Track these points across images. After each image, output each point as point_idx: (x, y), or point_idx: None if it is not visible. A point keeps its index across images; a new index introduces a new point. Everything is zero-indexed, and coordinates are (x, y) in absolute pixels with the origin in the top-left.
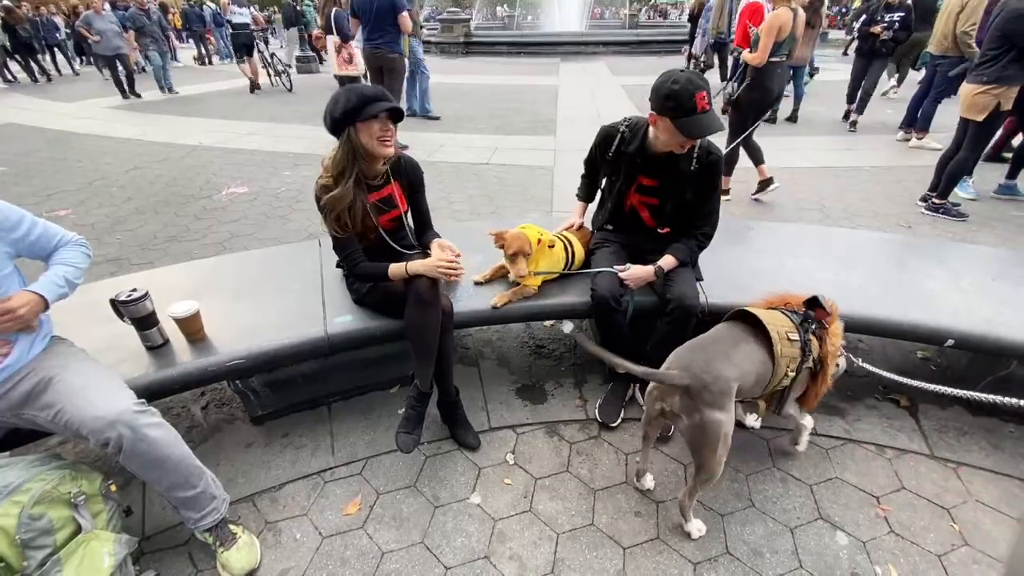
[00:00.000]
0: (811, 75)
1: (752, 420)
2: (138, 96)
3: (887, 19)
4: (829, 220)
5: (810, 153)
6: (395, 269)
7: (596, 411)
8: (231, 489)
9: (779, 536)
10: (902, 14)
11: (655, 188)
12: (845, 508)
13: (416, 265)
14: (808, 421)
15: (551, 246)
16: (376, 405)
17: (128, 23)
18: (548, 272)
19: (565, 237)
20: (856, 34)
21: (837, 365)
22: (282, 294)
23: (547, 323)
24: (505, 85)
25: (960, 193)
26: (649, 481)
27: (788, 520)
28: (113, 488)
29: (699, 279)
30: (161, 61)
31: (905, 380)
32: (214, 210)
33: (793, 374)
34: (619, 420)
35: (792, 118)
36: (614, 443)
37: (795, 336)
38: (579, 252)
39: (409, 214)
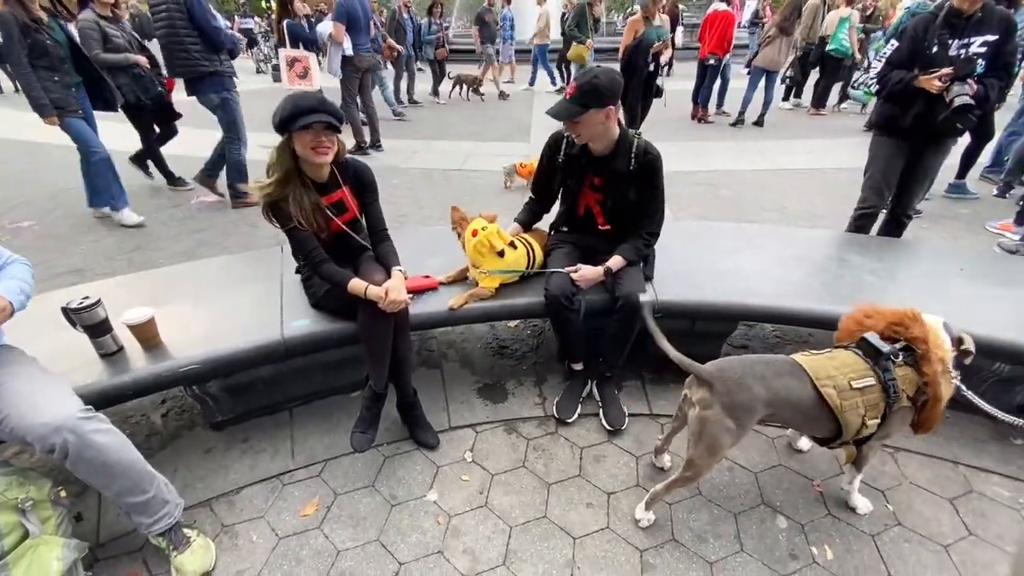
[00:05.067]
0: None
1: (804, 443)
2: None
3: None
4: (788, 220)
5: (776, 156)
6: (355, 285)
7: (554, 407)
8: (188, 494)
9: (723, 522)
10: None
11: (602, 185)
12: (787, 493)
13: (373, 292)
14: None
15: (501, 252)
16: (336, 409)
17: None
18: (508, 272)
19: (526, 240)
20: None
21: (953, 379)
22: (241, 300)
23: (511, 324)
24: (485, 91)
25: None
26: (666, 461)
27: (732, 507)
28: (63, 494)
29: (649, 278)
30: None
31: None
32: (183, 219)
33: (877, 420)
34: (575, 415)
35: (759, 122)
36: (570, 438)
37: (865, 382)
38: (539, 254)
39: (363, 218)
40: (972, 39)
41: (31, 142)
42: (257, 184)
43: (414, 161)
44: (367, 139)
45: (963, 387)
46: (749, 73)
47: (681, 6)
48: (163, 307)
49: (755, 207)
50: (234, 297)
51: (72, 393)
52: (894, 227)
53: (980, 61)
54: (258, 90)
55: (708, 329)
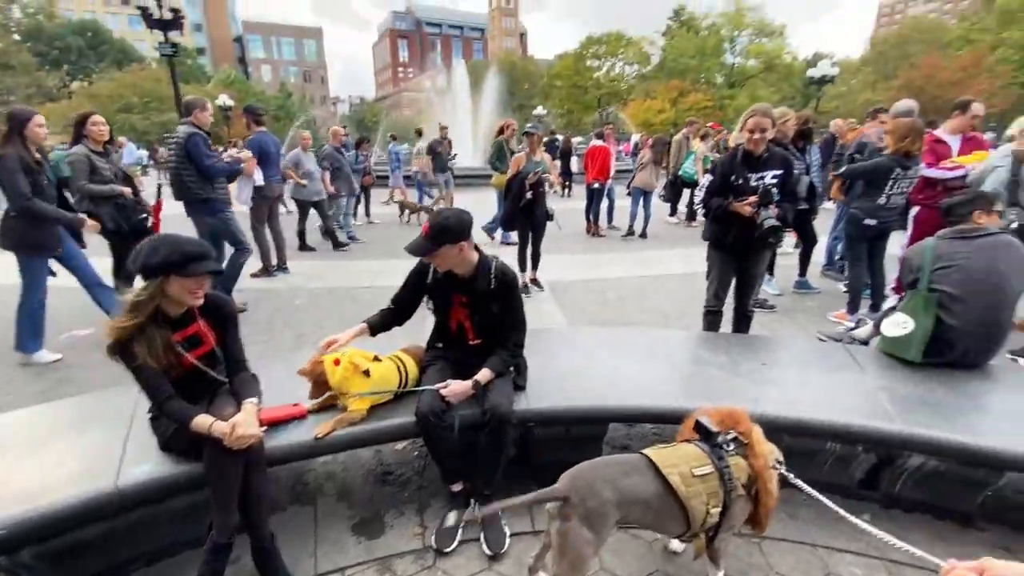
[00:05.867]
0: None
1: (676, 545)
2: None
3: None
4: (664, 320)
5: (656, 264)
6: (199, 422)
7: (433, 537)
8: None
9: None
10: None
11: (469, 303)
12: None
13: (218, 428)
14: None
15: (367, 372)
16: (189, 568)
17: None
18: (378, 393)
19: (398, 358)
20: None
21: (778, 464)
22: (76, 447)
23: (398, 446)
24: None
25: (768, 290)
26: None
27: None
28: None
29: (520, 387)
30: None
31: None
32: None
33: (719, 508)
34: (455, 543)
35: (643, 234)
36: (448, 570)
37: (704, 470)
38: (412, 371)
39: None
40: (765, 173)
41: None
42: (112, 323)
43: (321, 281)
44: (273, 261)
45: (790, 476)
46: (629, 193)
47: (576, 139)
48: None
49: (637, 310)
50: (70, 443)
51: None
52: (741, 322)
53: (775, 190)
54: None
55: (583, 433)
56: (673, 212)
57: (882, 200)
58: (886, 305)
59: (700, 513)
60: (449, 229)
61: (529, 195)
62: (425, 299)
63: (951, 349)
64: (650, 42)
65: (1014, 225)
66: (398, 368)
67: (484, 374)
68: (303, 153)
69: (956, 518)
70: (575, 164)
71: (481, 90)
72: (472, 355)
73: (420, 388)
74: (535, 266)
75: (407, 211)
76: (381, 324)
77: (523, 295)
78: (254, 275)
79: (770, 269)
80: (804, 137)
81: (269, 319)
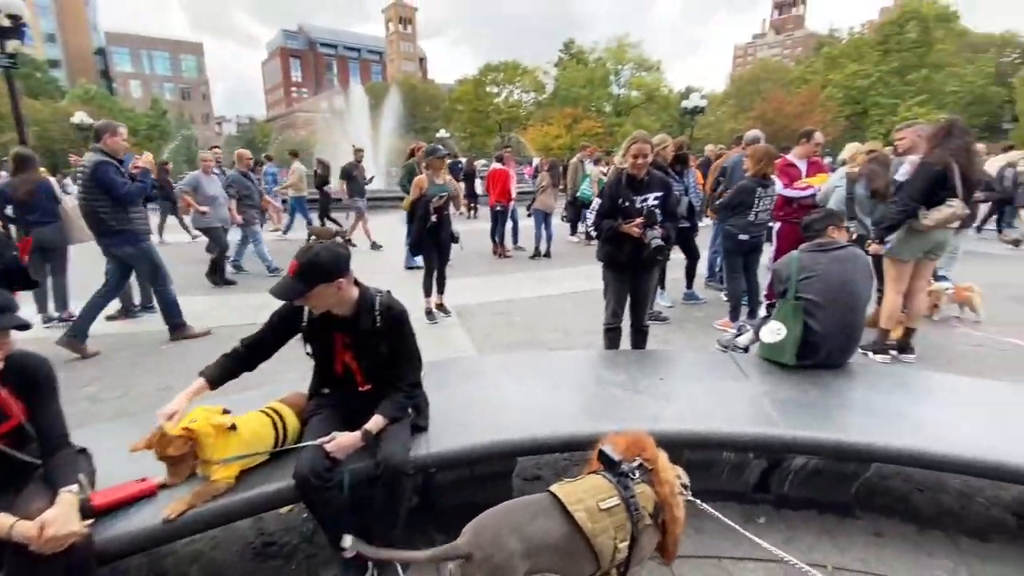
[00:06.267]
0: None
1: None
2: None
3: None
4: (569, 339)
5: (560, 282)
6: None
7: None
8: None
9: None
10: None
11: (353, 343)
12: None
13: (21, 530)
14: None
15: (233, 426)
16: None
17: None
18: (248, 456)
19: (273, 410)
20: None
21: (685, 490)
22: None
23: (282, 510)
24: (297, 238)
25: (660, 303)
26: None
27: None
28: None
29: (423, 428)
30: None
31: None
32: None
33: (627, 542)
34: None
35: (547, 254)
36: None
37: (611, 503)
38: (292, 424)
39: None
40: (647, 195)
41: None
42: None
43: (197, 320)
44: (136, 300)
45: (697, 502)
46: (530, 215)
47: (479, 162)
48: None
49: (543, 330)
50: None
51: None
52: (638, 336)
53: (657, 211)
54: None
55: (488, 471)
56: (574, 231)
57: (752, 217)
58: (761, 312)
59: (608, 549)
60: (320, 266)
61: (434, 218)
62: (302, 343)
63: (817, 352)
64: (544, 72)
65: (853, 236)
66: (273, 423)
67: (376, 422)
68: (204, 176)
69: (837, 510)
70: (479, 186)
71: (381, 112)
72: (363, 401)
73: (300, 445)
74: (441, 291)
75: (319, 240)
76: (224, 373)
77: (429, 321)
78: (111, 318)
79: (661, 284)
80: (681, 161)
81: (127, 370)
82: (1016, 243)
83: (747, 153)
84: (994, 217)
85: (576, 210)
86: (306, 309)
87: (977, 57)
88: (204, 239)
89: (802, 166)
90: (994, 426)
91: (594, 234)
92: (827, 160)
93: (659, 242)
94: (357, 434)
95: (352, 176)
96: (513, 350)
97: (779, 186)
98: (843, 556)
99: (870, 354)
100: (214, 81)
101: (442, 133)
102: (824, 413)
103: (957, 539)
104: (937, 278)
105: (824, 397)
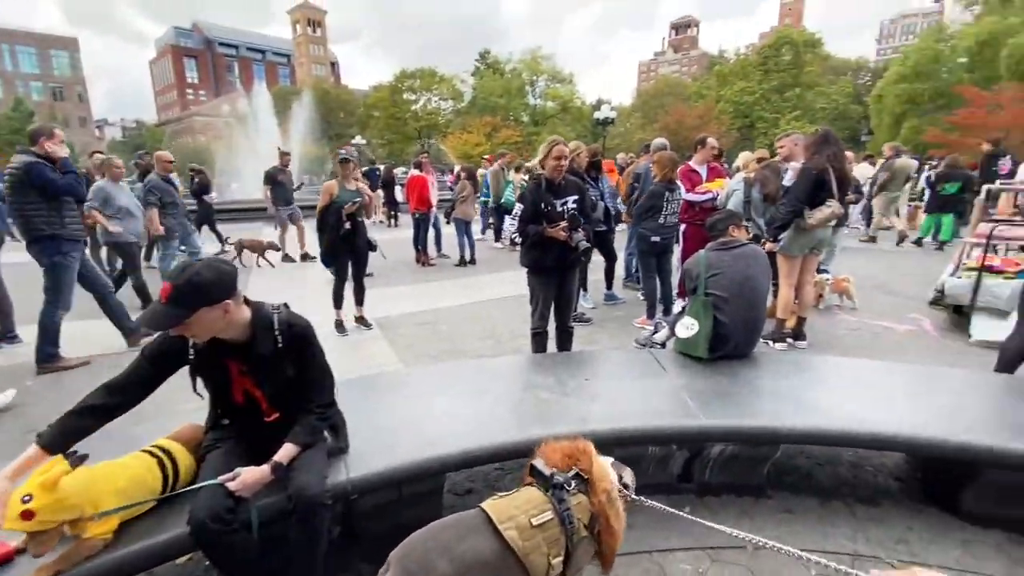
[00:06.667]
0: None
1: None
2: None
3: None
4: (498, 346)
5: (486, 288)
6: None
7: None
8: None
9: None
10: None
11: (251, 371)
12: None
13: None
14: None
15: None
16: None
17: None
18: (129, 507)
19: (160, 447)
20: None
21: (625, 487)
22: None
23: (178, 560)
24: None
25: (584, 304)
26: None
27: None
28: None
29: (343, 450)
30: None
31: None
32: None
33: (560, 557)
34: None
35: (472, 260)
36: None
37: (544, 517)
38: (185, 463)
39: None
40: (566, 199)
41: None
42: None
43: (72, 347)
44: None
45: (641, 500)
46: (448, 223)
47: (399, 169)
48: None
49: (471, 338)
50: None
51: None
52: (564, 338)
53: (578, 214)
54: None
55: (417, 490)
56: (498, 238)
57: (661, 220)
58: (676, 309)
59: (541, 567)
60: (201, 287)
61: (348, 225)
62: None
63: (726, 343)
64: (461, 80)
65: (750, 235)
66: (161, 463)
67: (286, 451)
68: (113, 185)
69: (752, 492)
70: (400, 194)
71: (291, 117)
72: (270, 430)
73: (197, 486)
74: (360, 302)
75: (247, 252)
76: (69, 433)
77: (340, 334)
78: None
79: (584, 286)
80: (595, 168)
81: None
82: (872, 239)
83: (654, 160)
84: (859, 216)
85: (500, 216)
86: (189, 343)
87: (838, 79)
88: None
89: (703, 172)
90: (871, 401)
91: (518, 240)
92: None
93: (585, 244)
94: (265, 468)
95: (277, 181)
96: (440, 360)
97: (683, 191)
98: (759, 533)
99: (770, 343)
100: (94, 80)
101: (358, 140)
102: (736, 401)
103: (854, 507)
104: (819, 271)
105: (735, 386)
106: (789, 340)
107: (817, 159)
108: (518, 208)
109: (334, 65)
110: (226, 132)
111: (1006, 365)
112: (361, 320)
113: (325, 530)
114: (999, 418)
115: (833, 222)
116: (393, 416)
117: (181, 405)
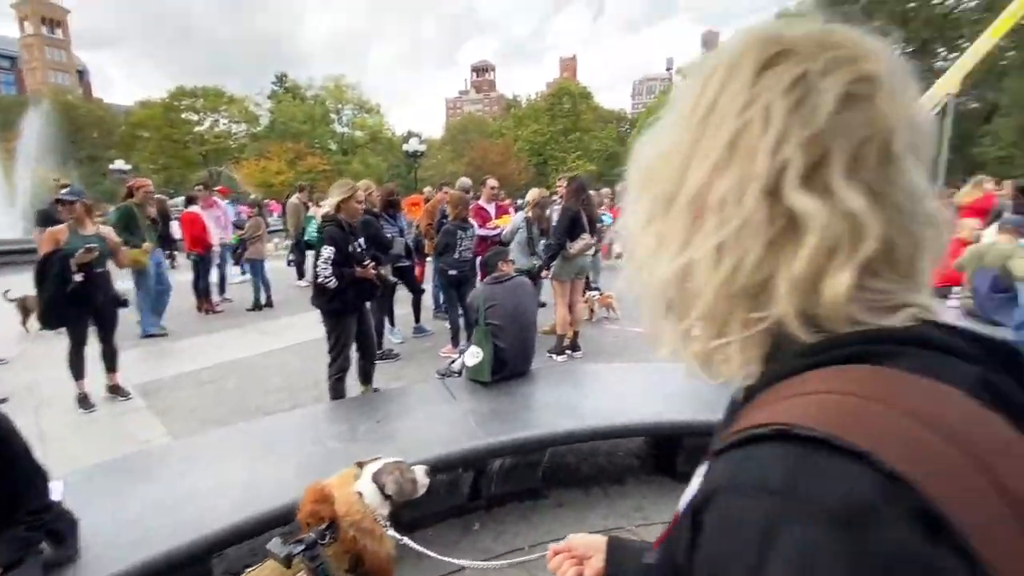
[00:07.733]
0: None
1: None
2: None
3: None
4: (294, 397)
5: (284, 333)
6: None
7: None
8: None
9: None
10: None
11: None
12: None
13: None
14: None
15: None
16: None
17: None
18: None
19: None
20: None
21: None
22: None
23: None
24: None
25: (392, 339)
26: None
27: None
28: None
29: (69, 559)
30: None
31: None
32: None
33: None
34: None
35: (269, 303)
36: None
37: None
38: None
39: None
40: (360, 238)
41: None
42: None
43: None
44: None
45: (398, 536)
46: (237, 264)
47: (174, 200)
48: None
49: (262, 393)
50: None
51: None
52: (367, 375)
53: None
54: None
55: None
56: (300, 276)
57: (456, 255)
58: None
59: None
60: None
61: (79, 277)
62: None
63: (505, 366)
64: (255, 103)
65: (536, 265)
66: None
67: None
68: None
69: (532, 495)
70: (176, 230)
71: (17, 132)
72: None
73: None
74: (112, 368)
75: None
76: None
77: (84, 410)
78: None
79: (391, 320)
80: (392, 205)
81: None
82: (620, 256)
83: (447, 200)
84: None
85: (302, 253)
86: None
87: (607, 126)
88: None
89: (491, 209)
90: (618, 398)
91: (332, 285)
92: (520, 201)
93: (393, 278)
94: None
95: (55, 221)
96: (225, 424)
97: (476, 227)
98: (536, 531)
99: (553, 356)
100: None
101: (119, 164)
102: (513, 417)
103: (608, 489)
104: (592, 288)
105: (513, 403)
106: (568, 352)
107: (572, 202)
108: (328, 252)
109: (82, 74)
110: None
111: None
112: (116, 389)
113: None
114: (697, 397)
115: (590, 251)
116: (150, 500)
117: None
